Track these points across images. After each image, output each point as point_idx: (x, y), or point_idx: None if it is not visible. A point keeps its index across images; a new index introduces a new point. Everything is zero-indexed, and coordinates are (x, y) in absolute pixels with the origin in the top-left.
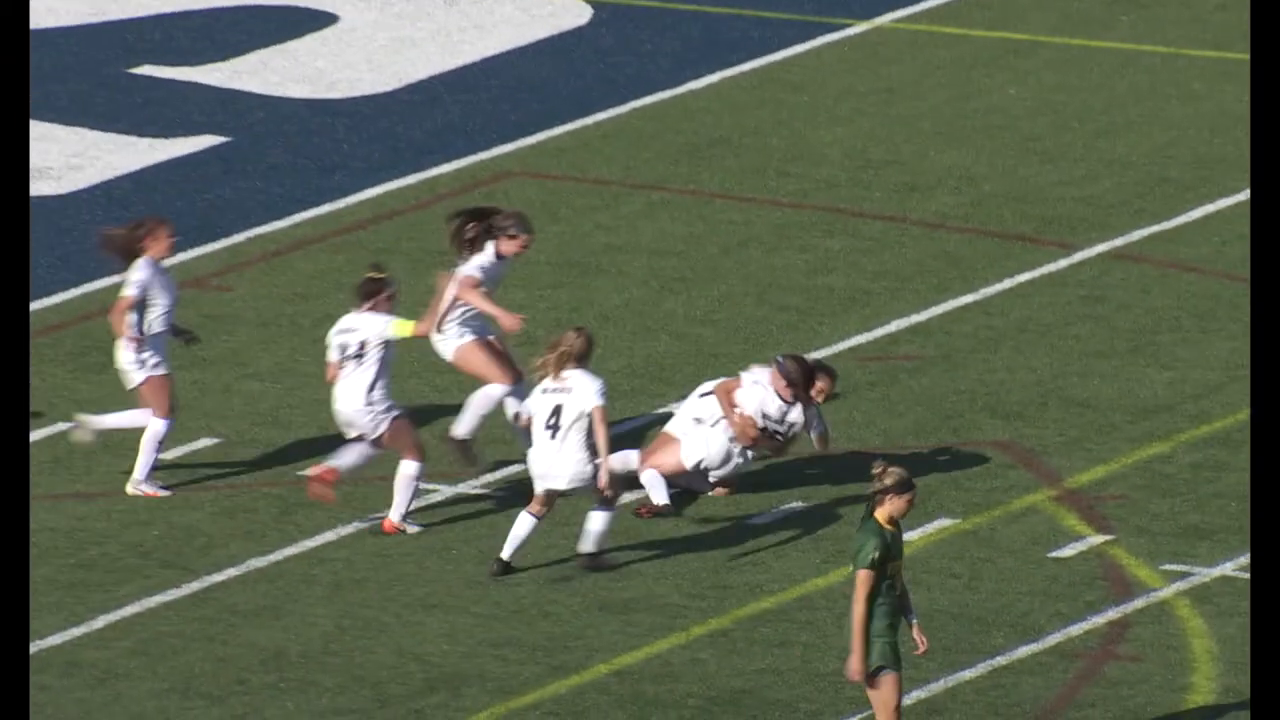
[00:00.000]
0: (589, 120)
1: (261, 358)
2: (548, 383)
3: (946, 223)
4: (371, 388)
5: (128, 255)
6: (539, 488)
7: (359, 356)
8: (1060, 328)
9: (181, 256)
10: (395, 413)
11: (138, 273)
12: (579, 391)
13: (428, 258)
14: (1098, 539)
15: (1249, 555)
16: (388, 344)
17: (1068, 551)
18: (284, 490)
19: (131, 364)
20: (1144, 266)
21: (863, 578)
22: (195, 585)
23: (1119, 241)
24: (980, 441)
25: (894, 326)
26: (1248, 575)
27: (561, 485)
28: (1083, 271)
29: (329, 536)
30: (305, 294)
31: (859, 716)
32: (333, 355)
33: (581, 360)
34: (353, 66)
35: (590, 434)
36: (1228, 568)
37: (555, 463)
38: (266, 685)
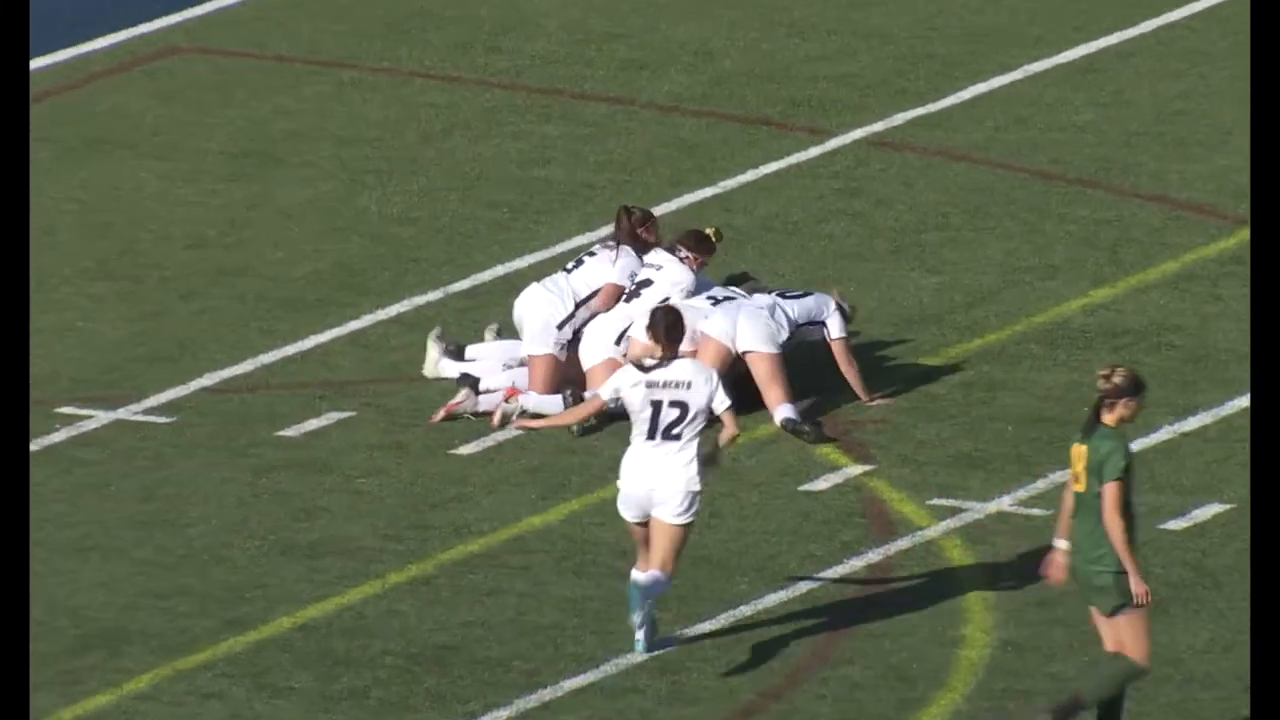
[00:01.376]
0: None
1: None
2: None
3: (680, 105)
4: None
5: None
6: None
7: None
8: (811, 225)
9: None
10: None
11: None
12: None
13: (83, 147)
14: (855, 470)
15: (1030, 488)
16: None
17: (821, 484)
18: None
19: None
20: (906, 155)
21: (1113, 490)
22: None
23: (878, 126)
24: None
25: None
26: (1027, 511)
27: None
28: (837, 161)
29: None
30: None
31: (588, 675)
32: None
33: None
34: None
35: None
36: (1005, 502)
37: None
38: None
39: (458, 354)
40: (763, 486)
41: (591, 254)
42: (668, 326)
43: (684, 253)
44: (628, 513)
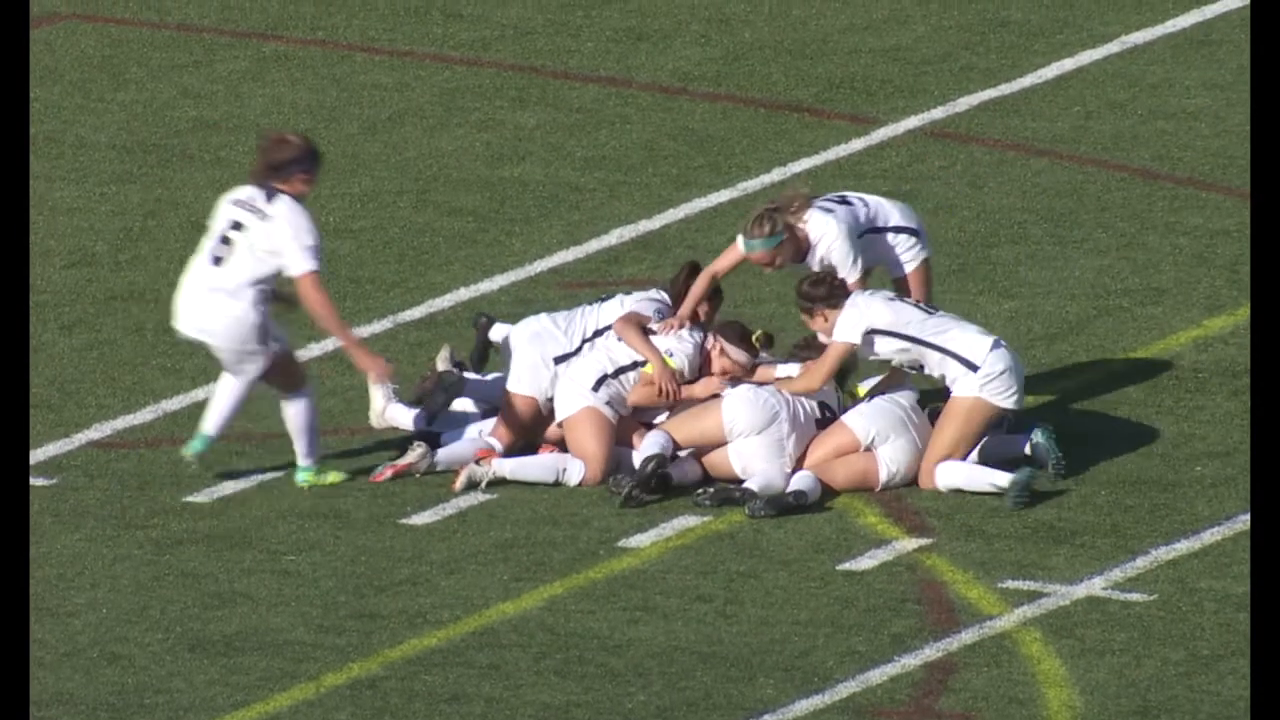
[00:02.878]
0: None
1: None
2: None
3: (690, 86)
4: None
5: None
6: None
7: None
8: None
9: None
10: None
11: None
12: None
13: None
14: (909, 544)
15: (1128, 566)
16: None
17: (865, 562)
18: None
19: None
20: (973, 149)
21: None
22: None
23: (938, 113)
24: None
25: (615, 237)
26: (1124, 596)
27: None
28: (886, 156)
29: None
30: None
31: None
32: None
33: None
34: None
35: None
36: (1095, 585)
37: None
38: None
39: (451, 390)
40: (793, 565)
41: (617, 295)
42: None
43: (714, 342)
44: None
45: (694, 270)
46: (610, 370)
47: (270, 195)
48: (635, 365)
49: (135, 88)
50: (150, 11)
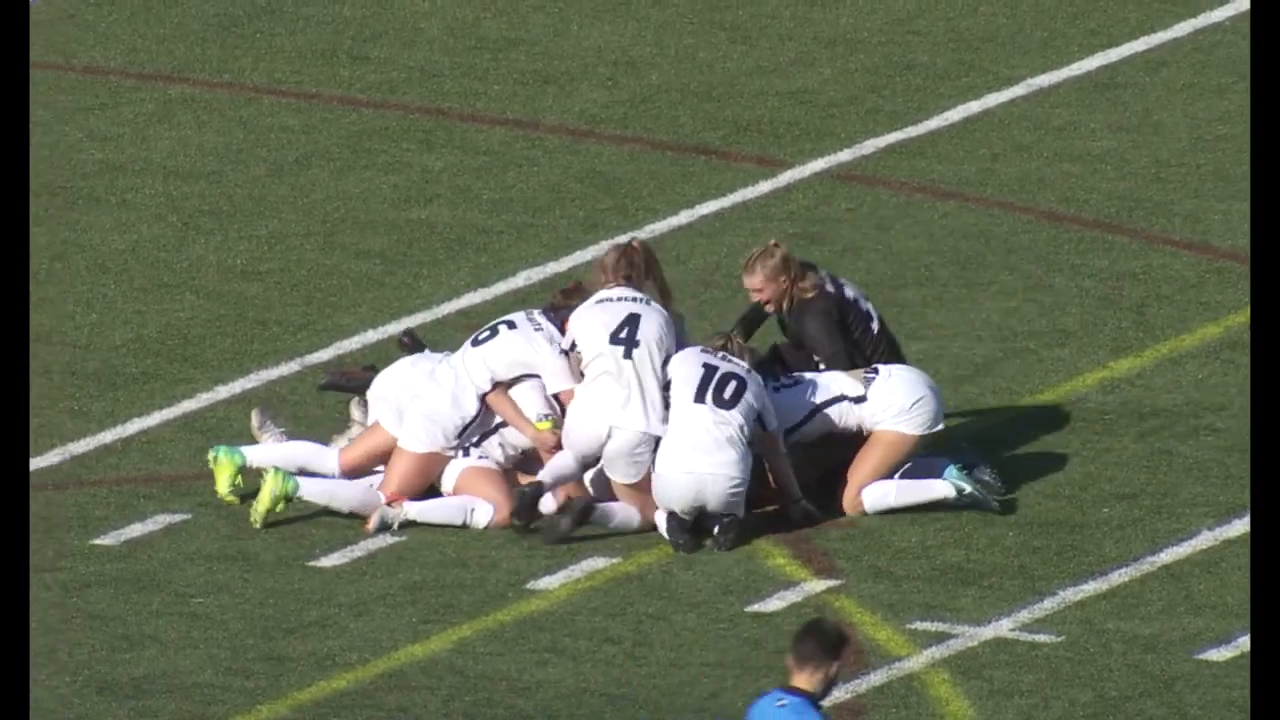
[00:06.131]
0: None
1: None
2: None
3: (596, 129)
4: None
5: None
6: None
7: None
8: None
9: None
10: None
11: None
12: None
13: None
14: (817, 585)
15: (1035, 607)
16: None
17: (774, 604)
18: None
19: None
20: (880, 191)
21: None
22: None
23: (844, 155)
24: None
25: (523, 279)
26: (1032, 637)
27: None
28: (793, 199)
29: None
30: None
31: None
32: None
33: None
34: None
35: None
36: (1003, 626)
37: None
38: None
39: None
40: (701, 607)
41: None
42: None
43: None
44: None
45: (577, 288)
46: (476, 439)
47: None
48: (505, 423)
49: (41, 130)
50: (56, 54)
